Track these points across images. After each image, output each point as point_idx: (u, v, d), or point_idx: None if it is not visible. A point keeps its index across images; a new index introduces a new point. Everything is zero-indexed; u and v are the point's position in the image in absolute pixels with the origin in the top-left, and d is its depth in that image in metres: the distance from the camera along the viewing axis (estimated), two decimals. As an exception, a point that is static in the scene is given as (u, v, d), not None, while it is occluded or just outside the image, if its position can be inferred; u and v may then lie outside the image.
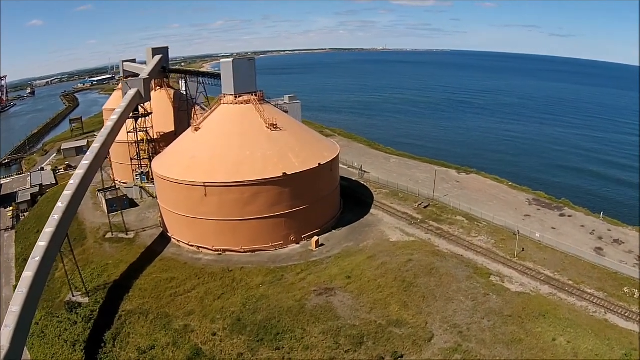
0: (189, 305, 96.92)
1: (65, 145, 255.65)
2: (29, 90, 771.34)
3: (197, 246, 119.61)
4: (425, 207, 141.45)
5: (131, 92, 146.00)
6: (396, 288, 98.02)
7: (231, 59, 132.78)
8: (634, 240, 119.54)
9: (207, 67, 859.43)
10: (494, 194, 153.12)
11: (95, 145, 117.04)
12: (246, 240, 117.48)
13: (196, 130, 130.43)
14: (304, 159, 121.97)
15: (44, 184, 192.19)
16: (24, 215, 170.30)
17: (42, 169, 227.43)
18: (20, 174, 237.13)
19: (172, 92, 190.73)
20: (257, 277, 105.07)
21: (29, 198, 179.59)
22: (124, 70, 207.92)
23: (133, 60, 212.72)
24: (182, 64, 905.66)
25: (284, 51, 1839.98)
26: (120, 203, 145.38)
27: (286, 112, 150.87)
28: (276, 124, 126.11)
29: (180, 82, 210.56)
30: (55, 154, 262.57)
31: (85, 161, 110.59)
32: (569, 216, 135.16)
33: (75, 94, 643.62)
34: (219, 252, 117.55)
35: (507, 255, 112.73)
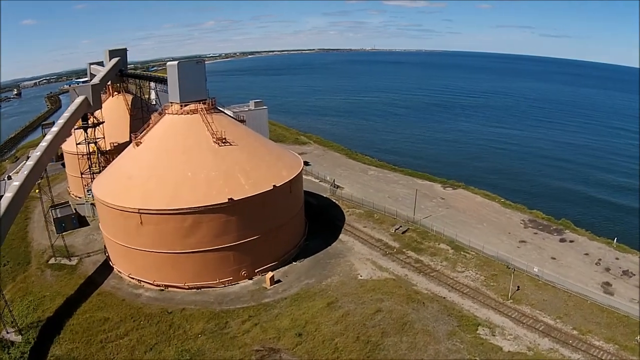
0: (119, 355, 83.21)
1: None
2: (15, 92, 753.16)
3: (138, 279, 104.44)
4: (403, 233, 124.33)
5: (77, 101, 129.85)
6: (357, 352, 79.59)
7: (176, 62, 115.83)
8: None
9: None
10: (484, 214, 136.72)
11: (29, 163, 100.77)
12: (190, 275, 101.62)
13: (137, 145, 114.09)
14: (255, 180, 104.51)
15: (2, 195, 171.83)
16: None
17: (9, 177, 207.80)
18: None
19: (129, 97, 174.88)
20: (198, 322, 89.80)
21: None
22: (90, 73, 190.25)
23: (100, 63, 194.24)
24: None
25: (273, 51, 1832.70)
26: (69, 222, 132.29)
27: (243, 121, 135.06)
28: (225, 138, 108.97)
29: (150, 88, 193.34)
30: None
31: (16, 182, 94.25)
32: (571, 241, 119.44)
33: (59, 96, 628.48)
34: (161, 288, 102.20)
35: (499, 296, 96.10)
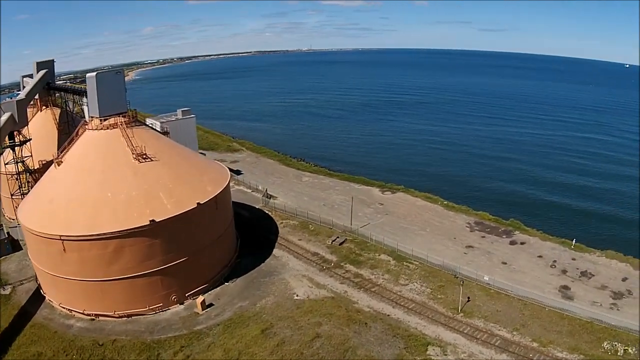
0: (52, 395, 79.10)
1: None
2: None
3: (69, 309, 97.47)
4: (340, 244, 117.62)
5: (2, 119, 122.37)
6: (294, 387, 72.51)
7: (94, 73, 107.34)
8: (605, 271, 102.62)
9: (132, 76, 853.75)
10: (426, 218, 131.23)
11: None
12: (119, 303, 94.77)
13: (58, 164, 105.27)
14: (178, 199, 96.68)
15: None
16: None
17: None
18: None
19: (58, 112, 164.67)
20: (130, 355, 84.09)
21: None
22: (23, 86, 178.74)
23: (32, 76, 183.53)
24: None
25: (210, 56, 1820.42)
26: (3, 247, 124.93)
27: (167, 133, 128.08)
28: (145, 154, 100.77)
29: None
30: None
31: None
32: (522, 243, 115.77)
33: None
34: (92, 317, 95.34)
35: (448, 310, 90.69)
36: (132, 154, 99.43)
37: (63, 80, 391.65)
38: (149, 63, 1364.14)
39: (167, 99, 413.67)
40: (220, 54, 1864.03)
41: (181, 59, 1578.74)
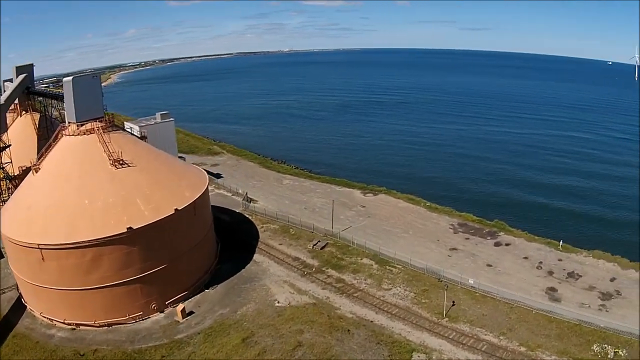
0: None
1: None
2: None
3: (50, 318, 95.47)
4: (322, 248, 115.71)
5: None
6: (275, 400, 70.47)
7: (71, 78, 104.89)
8: (592, 271, 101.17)
9: (114, 78, 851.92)
10: (409, 220, 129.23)
11: None
12: (99, 312, 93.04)
13: (36, 171, 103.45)
14: (156, 205, 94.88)
15: None
16: None
17: None
18: None
19: (37, 116, 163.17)
20: None
21: None
22: (4, 91, 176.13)
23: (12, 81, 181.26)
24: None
25: (192, 57, 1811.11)
26: None
27: (144, 137, 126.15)
28: (122, 159, 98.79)
29: None
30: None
31: None
32: (507, 244, 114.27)
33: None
34: (73, 327, 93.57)
35: (432, 314, 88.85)
36: (109, 159, 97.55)
37: (46, 83, 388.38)
38: (132, 65, 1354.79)
39: (148, 102, 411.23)
40: (202, 56, 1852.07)
41: (163, 61, 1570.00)
